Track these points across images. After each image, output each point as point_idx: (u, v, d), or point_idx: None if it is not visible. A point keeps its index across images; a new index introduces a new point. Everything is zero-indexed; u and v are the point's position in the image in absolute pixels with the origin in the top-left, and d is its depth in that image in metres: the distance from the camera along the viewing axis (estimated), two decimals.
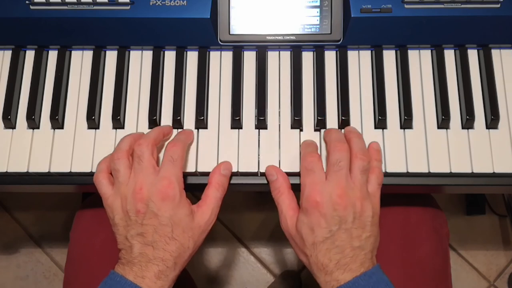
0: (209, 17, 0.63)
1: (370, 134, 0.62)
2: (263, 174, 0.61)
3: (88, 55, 0.66)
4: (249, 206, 1.35)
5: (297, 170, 0.60)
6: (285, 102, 0.64)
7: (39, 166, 0.62)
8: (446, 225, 0.76)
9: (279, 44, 0.65)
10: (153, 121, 0.63)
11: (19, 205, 1.38)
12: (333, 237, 0.52)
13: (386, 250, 0.58)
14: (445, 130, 0.62)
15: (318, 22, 0.64)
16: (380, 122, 0.62)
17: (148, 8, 0.63)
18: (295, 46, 0.65)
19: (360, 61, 0.65)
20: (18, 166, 0.62)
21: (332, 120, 0.63)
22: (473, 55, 0.66)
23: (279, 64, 0.66)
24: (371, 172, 0.56)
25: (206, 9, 0.63)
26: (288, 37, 0.64)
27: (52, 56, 0.66)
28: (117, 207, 0.54)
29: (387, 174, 0.60)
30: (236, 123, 0.62)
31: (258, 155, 0.61)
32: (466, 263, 1.32)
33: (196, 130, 0.63)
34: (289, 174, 0.60)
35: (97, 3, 0.63)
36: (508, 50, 0.65)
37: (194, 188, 0.61)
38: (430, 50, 0.66)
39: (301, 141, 0.62)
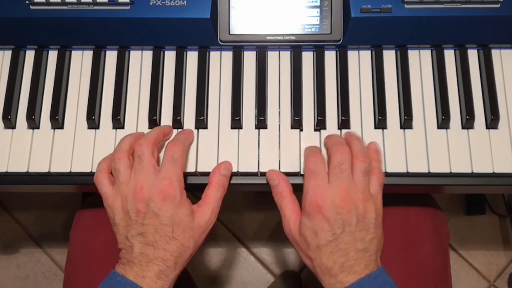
0: (209, 17, 0.63)
1: (370, 134, 0.62)
2: (263, 174, 0.61)
3: (88, 55, 0.66)
4: (249, 206, 1.35)
5: (297, 170, 0.60)
6: (285, 102, 0.64)
7: (39, 166, 0.62)
8: (446, 225, 0.76)
9: (279, 44, 0.65)
10: (153, 121, 0.63)
11: (19, 205, 1.38)
12: (337, 240, 0.52)
13: (386, 250, 0.58)
14: (445, 130, 0.62)
15: (318, 22, 0.64)
16: (380, 122, 0.62)
17: (148, 8, 0.63)
18: (295, 46, 0.65)
19: (360, 61, 0.65)
20: (18, 166, 0.62)
21: (332, 120, 0.63)
22: (473, 55, 0.66)
23: (279, 64, 0.66)
24: (372, 173, 0.56)
25: (206, 9, 0.63)
26: (288, 37, 0.64)
27: (52, 56, 0.66)
28: (118, 207, 0.54)
29: (387, 174, 0.60)
30: (236, 123, 0.62)
31: (258, 155, 0.61)
32: (466, 263, 1.32)
33: (196, 130, 0.63)
34: (289, 174, 0.60)
35: (97, 3, 0.63)
36: (508, 50, 0.65)
37: (194, 188, 0.61)
38: (430, 50, 0.66)
39: (301, 141, 0.62)
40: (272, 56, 0.66)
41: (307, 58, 0.66)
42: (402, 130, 0.62)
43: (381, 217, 0.55)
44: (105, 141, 0.63)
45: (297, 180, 0.60)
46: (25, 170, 0.61)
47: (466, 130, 0.62)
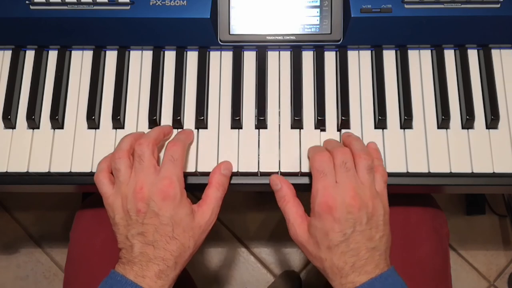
0: (209, 17, 0.63)
1: (370, 134, 0.62)
2: (263, 174, 0.61)
3: (88, 55, 0.66)
4: (249, 206, 1.35)
5: (297, 170, 0.60)
6: (285, 102, 0.64)
7: (39, 166, 0.62)
8: (446, 225, 0.76)
9: (279, 44, 0.65)
10: (153, 121, 0.63)
11: (19, 205, 1.38)
12: (348, 240, 0.51)
13: None
14: (445, 130, 0.62)
15: (318, 22, 0.64)
16: (380, 122, 0.62)
17: (148, 8, 0.63)
18: (295, 46, 0.65)
19: (360, 61, 0.65)
20: (18, 166, 0.62)
21: (332, 120, 0.63)
22: (473, 55, 0.66)
23: (279, 64, 0.66)
24: (375, 171, 0.56)
25: (206, 9, 0.63)
26: (288, 37, 0.64)
27: (52, 56, 0.66)
28: (118, 206, 0.54)
29: (387, 174, 0.60)
30: (236, 123, 0.62)
31: (258, 155, 0.61)
32: (466, 263, 1.32)
33: (196, 130, 0.63)
34: (289, 174, 0.60)
35: (97, 3, 0.63)
36: (508, 50, 0.65)
37: (194, 188, 0.61)
38: (430, 50, 0.66)
39: (301, 141, 0.62)
40: (272, 56, 0.66)
41: (307, 58, 0.66)
42: (402, 130, 0.62)
43: (388, 215, 0.55)
44: (105, 141, 0.63)
45: (298, 180, 0.61)
46: (25, 170, 0.61)
47: (466, 130, 0.62)
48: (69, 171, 0.61)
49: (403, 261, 0.70)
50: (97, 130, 0.63)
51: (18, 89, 0.65)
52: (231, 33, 0.64)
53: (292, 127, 0.63)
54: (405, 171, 0.61)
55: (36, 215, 1.37)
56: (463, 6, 0.63)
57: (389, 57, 0.65)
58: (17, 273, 1.33)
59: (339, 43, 0.65)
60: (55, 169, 0.62)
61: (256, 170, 0.61)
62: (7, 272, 1.33)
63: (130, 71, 0.66)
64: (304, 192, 0.59)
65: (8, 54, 0.66)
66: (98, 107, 0.64)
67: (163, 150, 0.58)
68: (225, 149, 0.61)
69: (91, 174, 0.60)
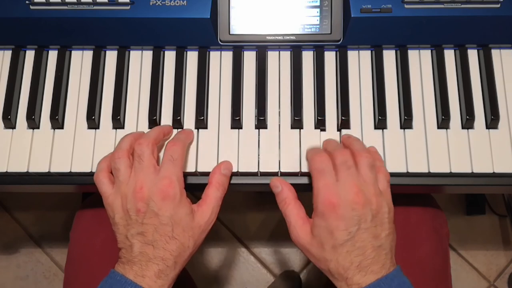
0: (209, 17, 0.63)
1: (370, 134, 0.62)
2: (263, 174, 0.61)
3: (88, 55, 0.66)
4: (249, 206, 1.35)
5: (297, 170, 0.60)
6: (285, 102, 0.64)
7: (39, 166, 0.62)
8: (446, 225, 0.76)
9: (279, 44, 0.65)
10: (153, 121, 0.63)
11: (19, 205, 1.38)
12: (353, 238, 0.51)
13: None
14: (445, 130, 0.62)
15: (318, 22, 0.64)
16: (380, 122, 0.62)
17: (148, 8, 0.63)
18: (295, 46, 0.65)
19: (360, 61, 0.65)
20: (18, 166, 0.62)
21: (332, 120, 0.63)
22: (473, 55, 0.66)
23: (279, 64, 0.66)
24: (377, 171, 0.56)
25: (206, 9, 0.63)
26: (288, 37, 0.64)
27: (52, 56, 0.66)
28: (118, 206, 0.54)
29: None
30: (236, 123, 0.62)
31: (258, 155, 0.61)
32: (466, 263, 1.32)
33: (196, 130, 0.63)
34: (289, 174, 0.60)
35: (97, 3, 0.63)
36: (508, 50, 0.65)
37: (194, 188, 0.61)
38: (430, 50, 0.66)
39: (301, 141, 0.62)
40: (272, 56, 0.66)
41: (307, 58, 0.66)
42: (402, 130, 0.62)
43: (392, 212, 0.54)
44: (105, 141, 0.63)
45: (298, 180, 0.61)
46: (25, 170, 0.61)
47: (466, 130, 0.62)
48: (69, 171, 0.61)
49: (403, 261, 0.70)
50: (97, 130, 0.63)
51: (18, 89, 0.65)
52: (231, 33, 0.64)
53: (292, 127, 0.63)
54: (405, 171, 0.61)
55: (36, 215, 1.37)
56: (463, 6, 0.63)
57: (389, 57, 0.65)
58: (17, 273, 1.33)
59: (339, 43, 0.65)
60: (55, 169, 0.62)
61: (256, 170, 0.61)
62: (7, 272, 1.33)
63: (130, 71, 0.66)
64: (304, 192, 0.59)
65: (8, 54, 0.66)
66: (98, 107, 0.64)
67: (163, 150, 0.58)
68: (225, 149, 0.61)
69: (91, 174, 0.60)
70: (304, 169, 0.60)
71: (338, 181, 0.53)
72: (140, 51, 0.66)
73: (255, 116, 0.63)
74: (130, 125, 0.63)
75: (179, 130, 0.63)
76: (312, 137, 0.62)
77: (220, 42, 0.65)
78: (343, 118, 0.62)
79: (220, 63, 0.66)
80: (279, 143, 0.62)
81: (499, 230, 1.34)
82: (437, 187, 0.63)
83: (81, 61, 0.66)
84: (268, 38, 0.64)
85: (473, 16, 0.63)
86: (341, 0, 0.64)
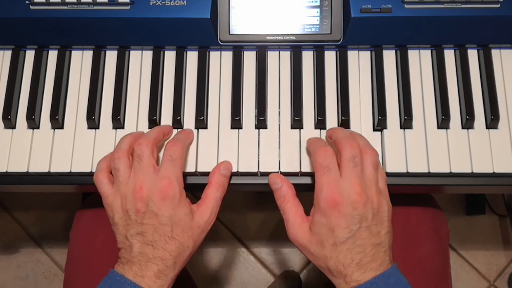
0: (209, 17, 0.63)
1: (370, 134, 0.62)
2: (263, 174, 0.61)
3: (88, 55, 0.66)
4: (249, 206, 1.35)
5: (297, 170, 0.60)
6: (285, 102, 0.64)
7: (39, 166, 0.62)
8: (446, 225, 0.76)
9: (279, 44, 0.65)
10: (153, 121, 0.63)
11: (19, 205, 1.38)
12: (354, 236, 0.51)
13: None
14: (445, 130, 0.62)
15: (318, 22, 0.64)
16: (380, 122, 0.62)
17: (148, 8, 0.63)
18: (295, 46, 0.65)
19: (360, 61, 0.65)
20: (18, 166, 0.62)
21: (332, 120, 0.63)
22: (473, 55, 0.66)
23: (279, 64, 0.66)
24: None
25: (206, 9, 0.63)
26: (288, 37, 0.64)
27: (52, 56, 0.66)
28: (117, 206, 0.54)
29: (387, 174, 0.60)
30: (236, 123, 0.62)
31: (258, 155, 0.61)
32: (466, 263, 1.32)
33: (196, 130, 0.63)
34: (289, 174, 0.60)
35: (97, 3, 0.63)
36: (508, 50, 0.65)
37: (194, 188, 0.61)
38: (430, 50, 0.66)
39: (301, 141, 0.62)
40: (272, 56, 0.66)
41: (307, 58, 0.66)
42: (402, 130, 0.62)
43: (391, 211, 0.54)
44: (105, 141, 0.63)
45: (298, 180, 0.61)
46: (25, 170, 0.61)
47: (466, 130, 0.62)
48: (69, 171, 0.61)
49: (403, 261, 0.70)
50: (97, 130, 0.63)
51: (18, 89, 0.65)
52: (231, 33, 0.64)
53: (292, 127, 0.63)
54: (405, 171, 0.61)
55: (36, 215, 1.37)
56: (463, 6, 0.63)
57: (389, 57, 0.65)
58: (17, 273, 1.33)
59: (339, 43, 0.65)
60: (55, 169, 0.62)
61: (256, 170, 0.61)
62: (7, 272, 1.33)
63: (130, 71, 0.66)
64: (304, 192, 0.59)
65: (8, 54, 0.66)
66: (98, 107, 0.64)
67: (162, 150, 0.58)
68: (225, 149, 0.61)
69: (91, 174, 0.60)
70: (304, 169, 0.60)
71: (342, 177, 0.52)
72: (140, 51, 0.66)
73: (255, 116, 0.63)
74: (130, 125, 0.63)
75: (179, 130, 0.63)
76: (312, 137, 0.62)
77: (220, 42, 0.65)
78: (343, 118, 0.62)
79: (220, 63, 0.66)
80: (279, 143, 0.62)
81: (499, 230, 1.34)
82: (437, 187, 0.63)
83: (81, 61, 0.66)
84: (268, 38, 0.64)
85: (473, 16, 0.63)
86: (341, 0, 0.64)
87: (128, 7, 0.63)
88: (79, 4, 0.63)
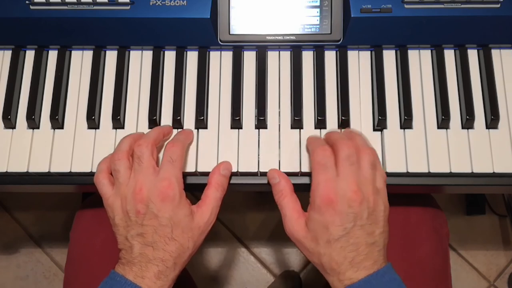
0: (209, 17, 0.63)
1: (370, 134, 0.62)
2: (263, 174, 0.61)
3: (88, 55, 0.66)
4: (249, 206, 1.35)
5: (297, 170, 0.60)
6: (285, 102, 0.64)
7: (39, 166, 0.62)
8: (446, 225, 0.76)
9: (279, 44, 0.65)
10: (153, 121, 0.63)
11: (19, 205, 1.38)
12: (348, 234, 0.51)
13: (386, 250, 0.58)
14: (445, 130, 0.62)
15: (318, 22, 0.64)
16: (380, 122, 0.62)
17: (148, 8, 0.63)
18: (295, 46, 0.65)
19: (360, 61, 0.65)
20: (18, 166, 0.62)
21: (332, 120, 0.63)
22: (473, 55, 0.66)
23: (279, 64, 0.66)
24: (375, 169, 0.56)
25: (206, 9, 0.63)
26: (288, 37, 0.64)
27: (52, 56, 0.66)
28: (117, 207, 0.54)
29: (387, 174, 0.60)
30: (236, 123, 0.62)
31: (258, 155, 0.61)
32: (466, 263, 1.32)
33: (196, 130, 0.63)
34: (289, 174, 0.60)
35: (97, 3, 0.63)
36: (508, 50, 0.65)
37: (194, 188, 0.61)
38: (430, 50, 0.66)
39: (301, 141, 0.62)
40: (272, 56, 0.66)
41: (307, 58, 0.66)
42: (402, 130, 0.62)
43: (388, 211, 0.54)
44: (105, 141, 0.63)
45: (297, 180, 0.61)
46: (25, 170, 0.61)
47: (466, 130, 0.62)
48: (69, 171, 0.61)
49: (403, 261, 0.70)
50: (97, 130, 0.63)
51: (18, 89, 0.65)
52: (231, 33, 0.64)
53: (292, 127, 0.63)
54: (405, 171, 0.61)
55: (36, 215, 1.37)
56: (463, 6, 0.63)
57: (389, 57, 0.65)
58: (17, 273, 1.33)
59: (339, 43, 0.65)
60: (55, 169, 0.62)
61: (256, 170, 0.61)
62: (7, 272, 1.33)
63: (130, 71, 0.66)
64: (304, 192, 0.59)
65: (8, 54, 0.66)
66: (98, 107, 0.64)
67: (162, 150, 0.58)
68: (225, 149, 0.61)
69: (91, 174, 0.60)
70: (304, 169, 0.60)
71: (338, 176, 0.53)
72: (140, 51, 0.66)
73: (255, 116, 0.63)
74: (130, 125, 0.63)
75: (179, 130, 0.63)
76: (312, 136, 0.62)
77: (220, 42, 0.65)
78: (343, 118, 0.62)
79: (220, 63, 0.66)
80: (279, 143, 0.62)
81: (499, 230, 1.34)
82: (437, 187, 0.63)
83: (81, 61, 0.66)
84: (268, 38, 0.64)
85: (473, 16, 0.63)
86: (341, 0, 0.64)
87: (128, 7, 0.63)
88: (79, 4, 0.63)
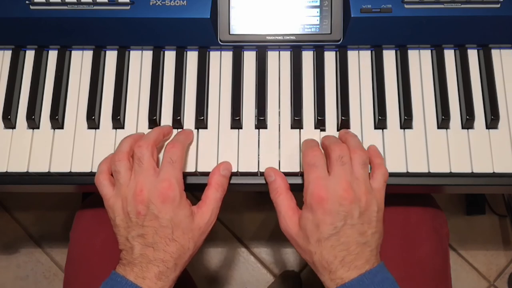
0: (209, 17, 0.63)
1: (370, 134, 0.62)
2: (263, 174, 0.61)
3: (88, 55, 0.66)
4: (249, 206, 1.35)
5: (297, 170, 0.60)
6: (285, 102, 0.64)
7: (39, 166, 0.62)
8: (446, 225, 0.76)
9: (279, 44, 0.65)
10: (153, 121, 0.63)
11: (19, 205, 1.38)
12: (339, 233, 0.51)
13: (386, 250, 0.58)
14: (445, 130, 0.62)
15: (318, 22, 0.64)
16: (380, 122, 0.62)
17: (148, 8, 0.63)
18: (295, 46, 0.65)
19: (360, 61, 0.65)
20: (18, 166, 0.62)
21: (332, 120, 0.63)
22: (473, 55, 0.66)
23: (279, 64, 0.66)
24: (377, 168, 0.56)
25: (206, 9, 0.63)
26: (288, 37, 0.64)
27: (52, 56, 0.66)
28: (118, 208, 0.54)
29: None
30: (236, 123, 0.62)
31: (258, 155, 0.61)
32: (466, 263, 1.32)
33: (196, 130, 0.63)
34: (289, 174, 0.60)
35: (97, 3, 0.63)
36: (508, 50, 0.65)
37: (194, 188, 0.61)
38: (430, 50, 0.66)
39: (301, 141, 0.62)
40: (272, 56, 0.66)
41: (307, 58, 0.66)
42: (402, 130, 0.62)
43: (382, 212, 0.55)
44: (105, 141, 0.63)
45: (297, 180, 0.61)
46: (25, 170, 0.61)
47: (466, 130, 0.62)
48: (69, 171, 0.61)
49: (403, 261, 0.70)
50: (97, 130, 0.63)
51: (18, 89, 0.65)
52: (231, 33, 0.64)
53: (292, 127, 0.63)
54: (405, 171, 0.61)
55: (36, 215, 1.37)
56: (463, 6, 0.63)
57: (389, 57, 0.65)
58: (17, 273, 1.33)
59: (339, 43, 0.65)
60: (55, 169, 0.62)
61: (256, 170, 0.61)
62: (7, 272, 1.33)
63: (130, 71, 0.66)
64: (303, 192, 0.59)
65: (8, 54, 0.66)
66: (98, 107, 0.64)
67: (163, 151, 0.58)
68: (225, 149, 0.61)
69: (91, 174, 0.60)
70: None
71: (330, 176, 0.53)
72: (140, 51, 0.66)
73: (255, 116, 0.63)
74: (130, 125, 0.63)
75: (179, 130, 0.63)
76: (312, 137, 0.62)
77: (220, 42, 0.65)
78: (343, 118, 0.62)
79: (220, 63, 0.66)
80: (279, 143, 0.62)
81: (499, 230, 1.34)
82: (437, 187, 0.63)
83: (81, 61, 0.66)
84: (268, 38, 0.64)
85: (473, 16, 0.63)
86: (341, 0, 0.64)
87: (128, 7, 0.63)
88: (79, 4, 0.63)
